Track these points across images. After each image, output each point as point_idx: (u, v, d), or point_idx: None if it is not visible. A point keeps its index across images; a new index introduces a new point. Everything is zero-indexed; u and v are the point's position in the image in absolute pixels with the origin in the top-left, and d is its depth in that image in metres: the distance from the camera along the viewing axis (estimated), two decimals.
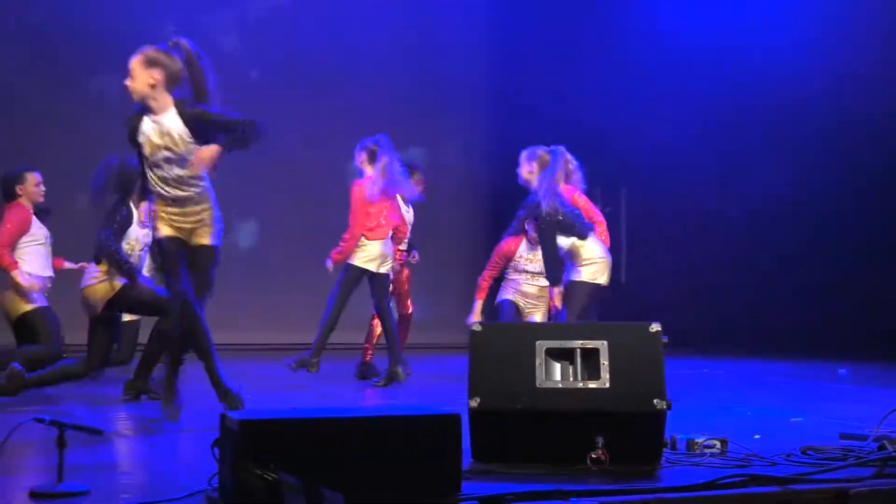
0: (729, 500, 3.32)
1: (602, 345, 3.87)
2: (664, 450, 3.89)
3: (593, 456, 3.69)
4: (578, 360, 3.86)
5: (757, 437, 4.47)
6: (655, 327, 3.91)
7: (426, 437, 3.27)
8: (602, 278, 6.82)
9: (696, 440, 4.06)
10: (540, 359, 3.86)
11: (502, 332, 4.06)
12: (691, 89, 11.07)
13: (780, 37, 10.49)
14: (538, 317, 7.72)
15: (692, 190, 11.25)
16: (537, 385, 3.83)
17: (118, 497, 3.16)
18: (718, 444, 4.06)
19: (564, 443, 3.77)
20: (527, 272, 7.74)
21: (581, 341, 3.89)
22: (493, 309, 7.92)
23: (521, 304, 7.80)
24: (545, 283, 7.31)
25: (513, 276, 7.79)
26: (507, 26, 12.65)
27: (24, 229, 6.73)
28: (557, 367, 3.89)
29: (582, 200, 7.02)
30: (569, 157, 7.04)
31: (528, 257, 7.70)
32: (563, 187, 6.90)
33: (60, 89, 11.15)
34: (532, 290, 7.76)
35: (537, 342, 3.89)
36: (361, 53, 12.29)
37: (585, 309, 6.80)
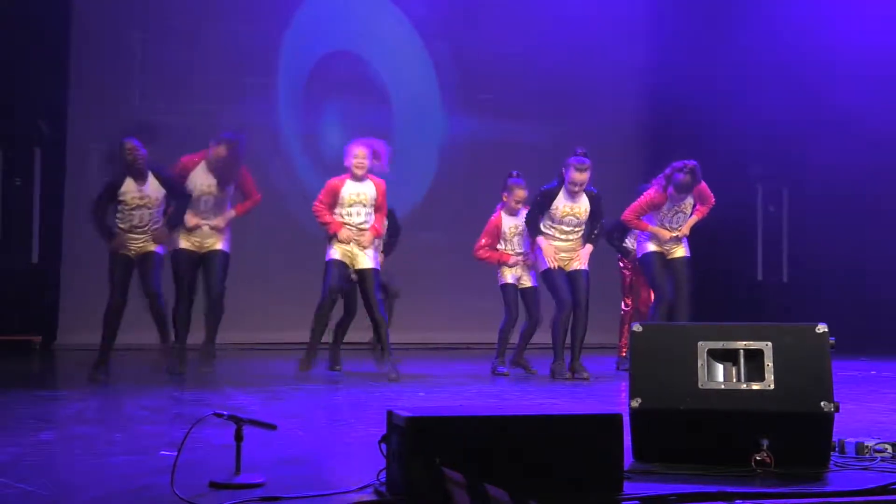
0: None
1: (766, 346, 3.83)
2: (832, 453, 3.82)
3: (757, 458, 3.65)
4: (742, 361, 3.83)
5: None
6: (822, 328, 3.84)
7: (588, 436, 3.30)
8: None
9: (866, 444, 3.95)
10: (702, 360, 3.84)
11: (663, 333, 4.04)
12: (866, 100, 10.67)
13: None
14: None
15: (858, 190, 10.87)
16: (699, 386, 3.81)
17: (292, 489, 3.29)
18: (890, 448, 3.94)
19: (727, 444, 3.74)
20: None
21: (744, 342, 3.86)
22: None
23: None
24: None
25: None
26: (673, 32, 12.40)
27: None
28: (720, 368, 3.86)
29: None
30: None
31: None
32: None
33: None
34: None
35: (699, 343, 3.87)
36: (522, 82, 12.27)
37: None
